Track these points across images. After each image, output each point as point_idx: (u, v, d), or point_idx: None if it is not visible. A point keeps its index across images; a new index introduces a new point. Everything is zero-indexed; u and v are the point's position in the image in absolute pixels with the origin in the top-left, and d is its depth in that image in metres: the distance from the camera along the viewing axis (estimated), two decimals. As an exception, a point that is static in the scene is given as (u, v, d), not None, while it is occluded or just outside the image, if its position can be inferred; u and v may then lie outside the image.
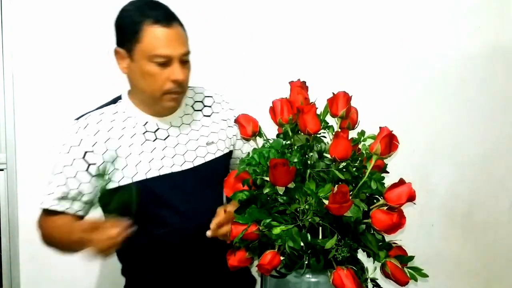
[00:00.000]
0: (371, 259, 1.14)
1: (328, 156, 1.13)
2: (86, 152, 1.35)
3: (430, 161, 2.30)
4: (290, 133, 1.20)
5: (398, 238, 1.16)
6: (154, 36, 1.30)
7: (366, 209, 1.09)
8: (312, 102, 1.21)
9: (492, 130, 2.35)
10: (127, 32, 1.34)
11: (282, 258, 1.09)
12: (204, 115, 1.50)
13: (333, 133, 1.15)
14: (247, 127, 1.26)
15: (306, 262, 1.09)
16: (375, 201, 1.15)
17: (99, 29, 2.00)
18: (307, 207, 1.08)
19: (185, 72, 1.34)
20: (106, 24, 2.01)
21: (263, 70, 2.07)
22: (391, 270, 1.11)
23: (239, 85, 2.03)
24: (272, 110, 1.23)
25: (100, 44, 2.02)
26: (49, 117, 1.98)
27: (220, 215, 1.28)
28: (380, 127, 1.12)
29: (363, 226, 1.10)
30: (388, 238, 1.15)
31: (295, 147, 1.18)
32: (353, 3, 2.18)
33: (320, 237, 1.08)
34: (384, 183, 1.13)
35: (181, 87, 1.36)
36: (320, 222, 1.08)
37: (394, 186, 1.09)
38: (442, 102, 2.29)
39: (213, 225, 1.27)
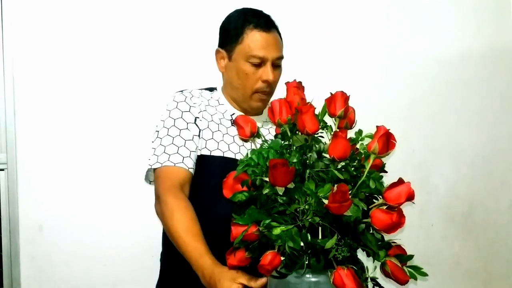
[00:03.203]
0: (371, 258, 1.14)
1: (327, 156, 1.13)
2: (196, 118, 1.50)
3: (430, 161, 2.30)
4: (289, 134, 1.20)
5: (398, 238, 1.16)
6: (254, 39, 1.46)
7: (366, 209, 1.09)
8: (308, 102, 1.21)
9: (492, 130, 2.36)
10: (230, 34, 1.49)
11: (282, 258, 1.09)
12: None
13: (332, 133, 1.15)
14: (245, 128, 1.27)
15: (306, 262, 1.09)
16: (374, 200, 1.15)
17: (99, 29, 2.01)
18: (306, 207, 1.08)
19: (275, 74, 1.49)
20: (105, 23, 2.03)
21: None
22: (391, 269, 1.12)
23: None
24: (271, 111, 1.23)
25: (100, 44, 2.02)
26: (49, 117, 1.98)
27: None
28: (376, 126, 1.12)
29: (363, 226, 1.10)
30: (388, 237, 1.15)
31: (294, 147, 1.18)
32: (352, 3, 2.18)
33: (320, 237, 1.08)
34: (383, 182, 1.13)
35: (270, 88, 1.50)
36: (320, 222, 1.08)
37: (393, 185, 1.09)
38: (442, 102, 2.29)
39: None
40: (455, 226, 2.34)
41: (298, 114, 1.17)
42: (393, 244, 1.17)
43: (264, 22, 1.49)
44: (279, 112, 1.21)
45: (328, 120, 1.21)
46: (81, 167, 2.02)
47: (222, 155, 1.48)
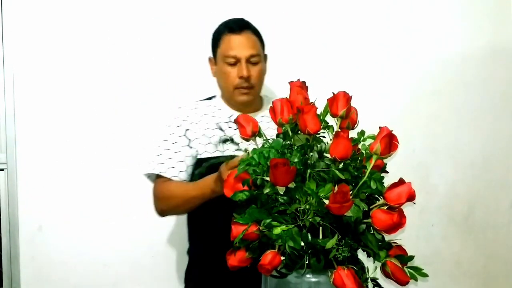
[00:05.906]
0: (371, 258, 1.14)
1: (328, 156, 1.13)
2: (186, 130, 1.66)
3: (430, 161, 2.30)
4: (290, 133, 1.20)
5: (398, 238, 1.16)
6: (227, 42, 1.64)
7: (367, 209, 1.09)
8: (311, 102, 1.21)
9: (492, 130, 2.36)
10: (214, 42, 1.69)
11: (282, 258, 1.09)
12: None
13: (333, 133, 1.15)
14: (247, 127, 1.26)
15: (307, 262, 1.09)
16: (375, 201, 1.15)
17: (99, 29, 2.01)
18: (307, 207, 1.08)
19: (252, 70, 1.63)
20: (105, 23, 2.03)
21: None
22: (391, 270, 1.11)
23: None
24: (272, 110, 1.23)
25: (100, 44, 2.02)
26: (49, 117, 1.98)
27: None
28: (380, 127, 1.12)
29: (364, 226, 1.10)
30: (388, 238, 1.15)
31: (295, 147, 1.18)
32: (353, 3, 2.18)
33: (321, 237, 1.08)
34: (383, 183, 1.13)
35: (248, 83, 1.63)
36: (321, 222, 1.08)
37: (394, 185, 1.09)
38: (442, 102, 2.29)
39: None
40: (455, 226, 2.34)
41: (300, 113, 1.17)
42: (393, 244, 1.17)
43: (235, 26, 1.64)
44: (281, 111, 1.21)
45: (330, 120, 1.21)
46: (81, 167, 2.02)
47: (222, 155, 1.61)
